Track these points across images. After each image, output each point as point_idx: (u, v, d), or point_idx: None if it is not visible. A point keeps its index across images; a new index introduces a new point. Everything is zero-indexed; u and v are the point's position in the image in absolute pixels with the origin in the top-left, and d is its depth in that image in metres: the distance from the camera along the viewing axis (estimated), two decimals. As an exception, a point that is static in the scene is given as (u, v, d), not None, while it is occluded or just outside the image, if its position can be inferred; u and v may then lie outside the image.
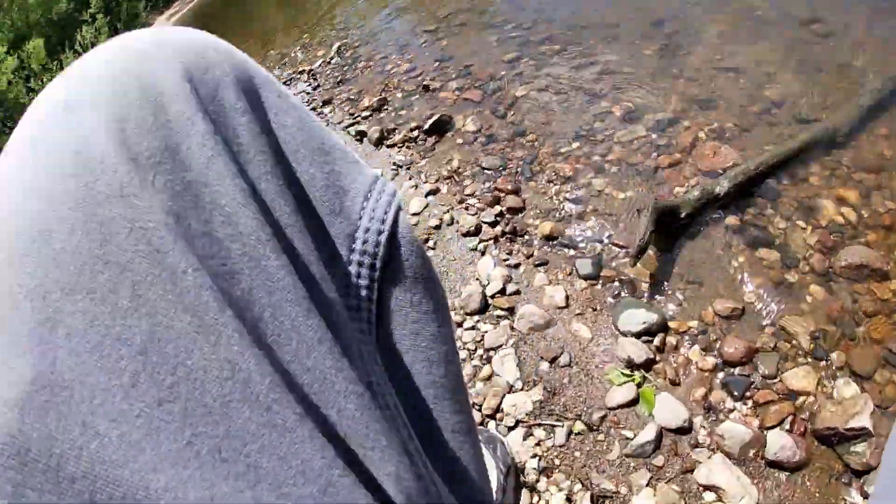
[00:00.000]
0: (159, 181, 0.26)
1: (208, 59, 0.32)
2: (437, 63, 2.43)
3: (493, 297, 1.38)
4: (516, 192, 1.62)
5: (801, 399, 1.12)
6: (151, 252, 0.25)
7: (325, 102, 2.55)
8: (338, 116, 2.38)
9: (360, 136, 2.14)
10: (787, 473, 1.04)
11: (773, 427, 1.09)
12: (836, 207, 1.35)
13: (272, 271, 0.28)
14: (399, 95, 2.31)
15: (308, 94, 2.73)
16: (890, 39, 1.73)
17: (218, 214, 0.28)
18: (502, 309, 1.36)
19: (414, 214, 1.64)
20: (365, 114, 2.28)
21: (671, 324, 1.29)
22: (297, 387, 0.27)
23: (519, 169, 1.68)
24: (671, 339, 1.26)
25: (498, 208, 1.58)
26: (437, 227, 1.58)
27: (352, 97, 2.49)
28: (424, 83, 2.28)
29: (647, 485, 1.07)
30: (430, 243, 1.55)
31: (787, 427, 1.09)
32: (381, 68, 2.63)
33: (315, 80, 2.85)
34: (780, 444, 1.05)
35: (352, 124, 2.26)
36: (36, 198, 0.26)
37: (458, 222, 1.58)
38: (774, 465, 1.04)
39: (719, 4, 2.11)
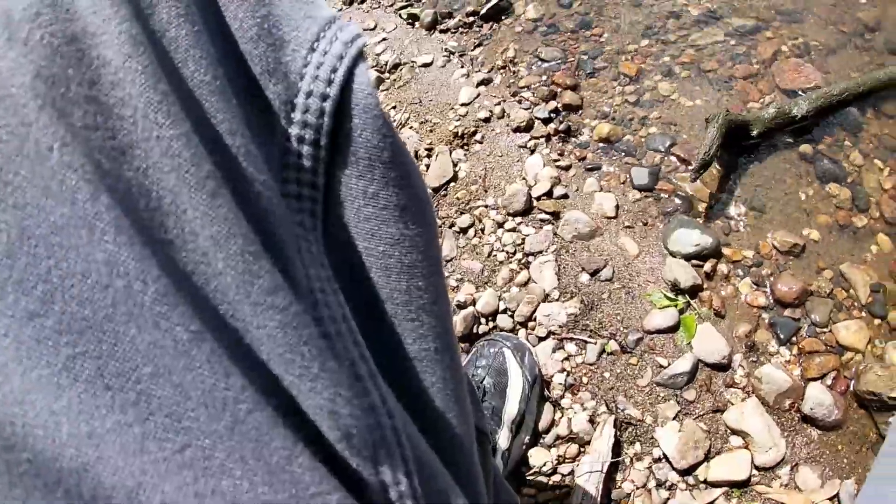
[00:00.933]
0: (34, 36, 0.20)
1: None
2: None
3: (538, 198, 1.31)
4: (574, 88, 1.49)
5: (849, 355, 1.06)
6: (18, 126, 0.19)
7: (378, -20, 2.37)
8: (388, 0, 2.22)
9: (412, 19, 2.00)
10: (819, 432, 1.00)
11: (814, 379, 1.04)
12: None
13: (168, 144, 0.21)
14: (457, -23, 2.13)
15: (360, -30, 2.54)
16: None
17: (106, 73, 0.21)
18: (547, 212, 1.29)
19: (463, 105, 1.54)
20: (419, -5, 2.12)
21: (725, 250, 1.20)
22: (199, 297, 0.22)
23: (580, 64, 1.54)
24: (722, 267, 1.19)
25: (553, 104, 1.46)
26: (487, 120, 1.48)
27: (406, -24, 2.31)
28: (485, -36, 2.08)
29: (674, 418, 1.04)
30: (478, 136, 1.46)
31: (829, 383, 1.04)
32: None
33: (368, -46, 2.64)
34: (818, 399, 1.00)
35: (403, 7, 2.10)
36: None
37: (508, 116, 1.47)
38: (808, 420, 1.00)
39: None
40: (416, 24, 1.97)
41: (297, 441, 0.23)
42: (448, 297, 0.35)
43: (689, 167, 1.29)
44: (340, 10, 2.37)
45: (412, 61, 1.79)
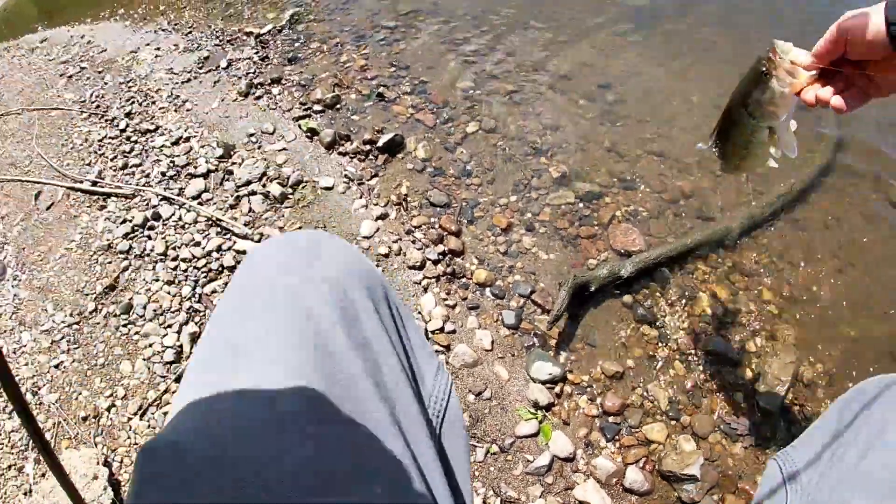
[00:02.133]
0: (353, 334, 0.50)
1: (375, 277, 0.57)
2: (393, 68, 2.52)
3: (433, 332, 1.60)
4: (458, 234, 1.82)
5: (654, 446, 1.47)
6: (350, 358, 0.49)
7: (275, 81, 2.54)
8: (287, 103, 2.41)
9: (312, 133, 2.20)
10: (637, 497, 1.39)
11: (631, 464, 1.44)
12: (710, 301, 1.71)
13: (398, 382, 0.52)
14: (353, 97, 2.38)
15: (255, 64, 2.69)
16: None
17: (372, 352, 0.51)
18: (441, 345, 1.58)
19: (365, 238, 1.79)
20: (317, 108, 2.33)
21: (570, 376, 1.59)
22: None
23: (462, 210, 1.89)
24: (568, 389, 1.57)
25: (441, 247, 1.77)
26: (386, 256, 1.75)
27: (303, 82, 2.51)
28: (380, 90, 2.37)
29: (540, 496, 1.38)
30: (380, 268, 1.71)
31: (641, 465, 1.44)
32: (335, 57, 2.65)
33: (264, 48, 2.80)
34: (634, 477, 1.42)
35: (302, 116, 2.30)
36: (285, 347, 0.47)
37: (404, 254, 1.75)
38: (629, 491, 1.41)
39: (664, 81, 2.39)
40: (315, 139, 2.18)
41: None
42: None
43: (546, 312, 1.67)
44: (235, 99, 2.49)
45: (314, 180, 2.00)
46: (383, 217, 1.86)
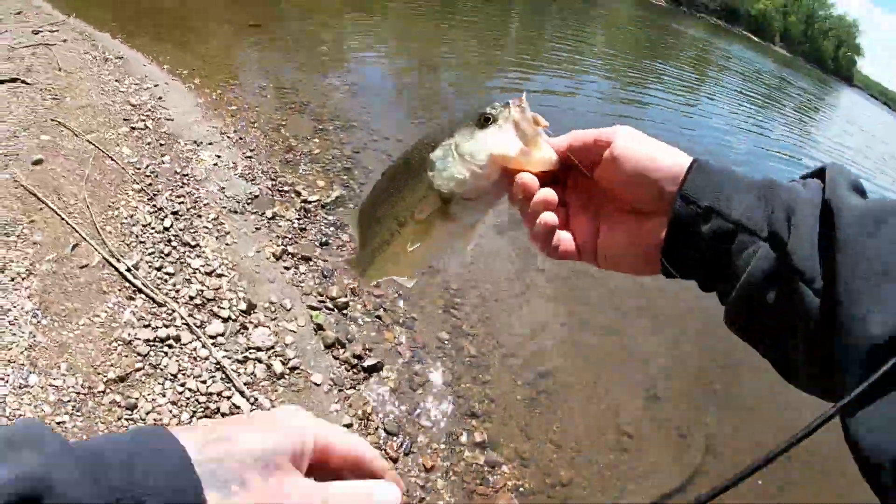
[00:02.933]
0: None
1: None
2: (396, 295, 3.20)
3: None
4: (395, 460, 2.39)
5: None
6: None
7: (305, 259, 3.12)
8: (308, 287, 2.97)
9: (318, 328, 2.77)
10: None
11: None
12: None
13: None
14: (359, 308, 3.01)
15: (294, 230, 3.27)
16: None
17: None
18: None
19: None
20: (329, 305, 2.93)
21: None
22: None
23: (404, 443, 2.48)
24: None
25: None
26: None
27: (326, 272, 3.11)
28: (379, 313, 3.02)
29: None
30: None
31: None
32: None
33: (306, 216, 3.40)
34: None
35: (315, 308, 2.88)
36: None
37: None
38: None
39: (588, 376, 3.21)
40: (320, 333, 2.75)
41: None
42: None
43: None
44: (268, 258, 3.03)
45: (308, 372, 2.53)
46: (349, 426, 2.41)
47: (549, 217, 0.56)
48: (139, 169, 3.32)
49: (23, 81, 4.25)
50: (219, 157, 3.64)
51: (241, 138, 3.91)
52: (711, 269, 0.51)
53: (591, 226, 0.58)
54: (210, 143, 3.74)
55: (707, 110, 11.08)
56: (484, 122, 0.57)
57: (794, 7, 64.66)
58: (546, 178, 0.57)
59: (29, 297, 2.30)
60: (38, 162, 3.25)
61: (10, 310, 2.21)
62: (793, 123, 14.51)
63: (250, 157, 3.76)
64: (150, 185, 3.22)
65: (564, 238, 0.58)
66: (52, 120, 3.68)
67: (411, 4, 12.00)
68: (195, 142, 3.72)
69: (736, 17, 55.84)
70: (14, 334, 2.15)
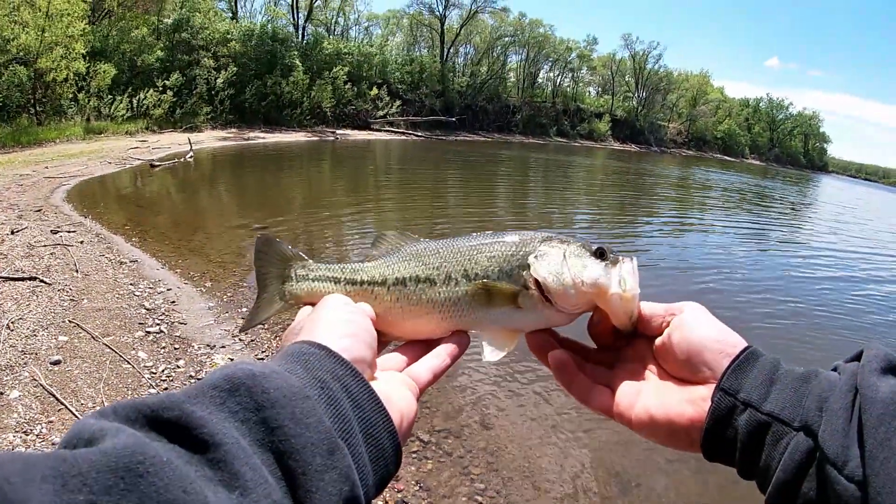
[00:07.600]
0: None
1: None
2: (417, 486, 3.10)
3: None
4: None
5: None
6: None
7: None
8: None
9: None
10: None
11: None
12: None
13: None
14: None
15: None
16: None
17: None
18: None
19: None
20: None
21: None
22: None
23: None
24: None
25: None
26: None
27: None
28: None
29: None
30: None
31: None
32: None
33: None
34: None
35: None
36: None
37: None
38: None
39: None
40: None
41: None
42: None
43: None
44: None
45: None
46: None
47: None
48: (155, 373, 3.35)
49: (42, 281, 4.40)
50: (231, 360, 3.71)
51: (252, 339, 4.01)
52: (749, 458, 0.51)
53: (634, 387, 0.58)
54: (223, 346, 3.82)
55: (702, 232, 11.83)
56: (599, 254, 0.60)
57: (754, 118, 66.76)
58: (611, 334, 0.61)
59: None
60: (56, 363, 3.27)
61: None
62: (785, 223, 15.48)
63: (262, 358, 3.84)
64: (166, 388, 3.23)
65: (601, 392, 0.59)
66: (69, 321, 3.76)
67: (406, 189, 13.02)
68: (208, 345, 3.80)
69: (704, 142, 57.56)
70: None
